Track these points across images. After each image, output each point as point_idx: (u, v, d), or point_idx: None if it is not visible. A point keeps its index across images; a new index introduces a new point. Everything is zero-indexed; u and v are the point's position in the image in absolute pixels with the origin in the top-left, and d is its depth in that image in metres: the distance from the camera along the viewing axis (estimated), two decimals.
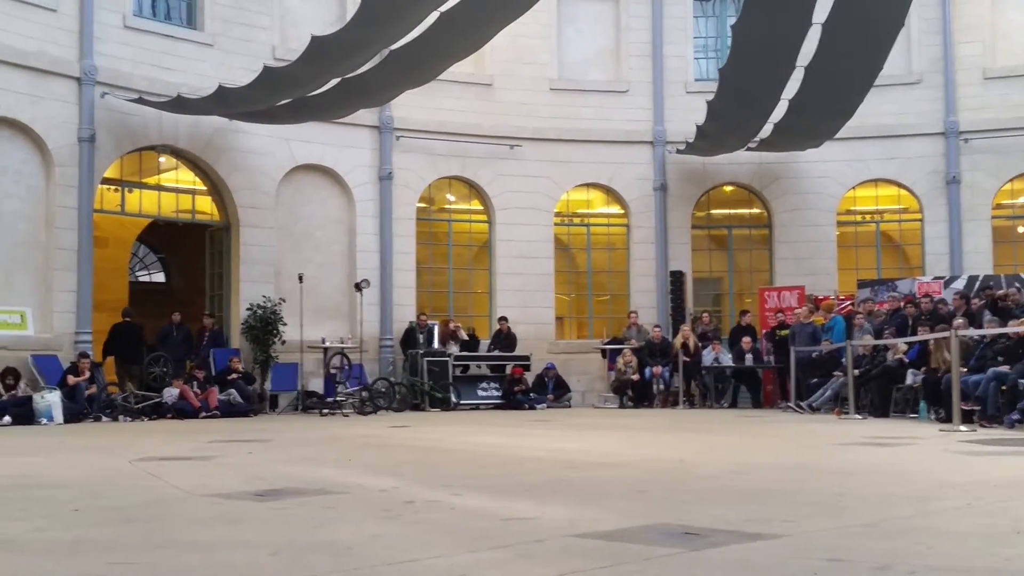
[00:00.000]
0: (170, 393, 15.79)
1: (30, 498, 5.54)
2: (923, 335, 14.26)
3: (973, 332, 13.31)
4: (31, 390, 14.66)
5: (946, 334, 12.68)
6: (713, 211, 21.93)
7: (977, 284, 17.54)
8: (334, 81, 15.64)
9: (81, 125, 16.23)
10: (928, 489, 5.88)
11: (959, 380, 11.80)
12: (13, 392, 14.38)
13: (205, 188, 18.45)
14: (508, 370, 18.97)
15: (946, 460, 7.81)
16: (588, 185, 21.27)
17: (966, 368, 12.63)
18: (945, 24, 20.28)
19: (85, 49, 16.30)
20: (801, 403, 16.10)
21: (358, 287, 17.54)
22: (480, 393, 18.92)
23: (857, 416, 14.29)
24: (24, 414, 14.02)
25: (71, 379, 14.93)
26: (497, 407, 18.50)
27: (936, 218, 20.39)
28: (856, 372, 14.87)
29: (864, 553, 3.75)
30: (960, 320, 13.88)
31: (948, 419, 11.91)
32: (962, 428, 11.15)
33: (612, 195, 21.32)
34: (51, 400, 14.23)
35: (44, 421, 14.01)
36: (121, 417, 15.10)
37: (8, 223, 15.60)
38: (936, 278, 18.72)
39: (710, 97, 17.12)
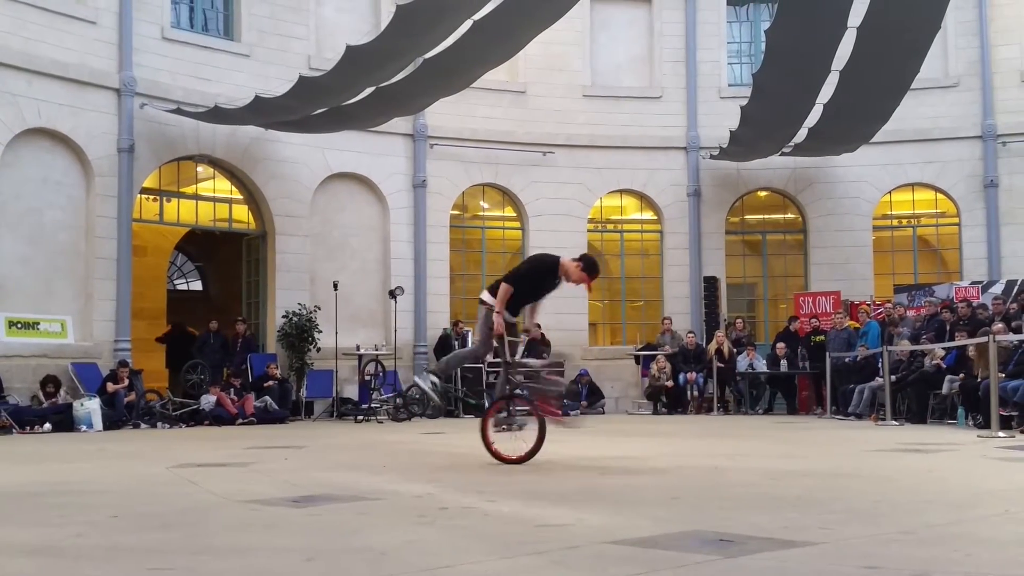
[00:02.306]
0: (207, 400, 15.93)
1: (70, 504, 5.62)
2: (961, 341, 14.10)
3: (1012, 337, 13.14)
4: (71, 398, 14.85)
5: (984, 339, 12.53)
6: (747, 216, 21.82)
7: (1016, 289, 17.33)
8: (368, 90, 15.75)
9: (120, 136, 16.44)
10: (966, 496, 5.83)
11: (997, 386, 11.66)
12: (53, 400, 14.58)
13: (241, 197, 18.63)
14: None
15: (984, 467, 7.72)
16: (621, 191, 21.24)
17: (1004, 373, 12.47)
18: (982, 26, 20.06)
19: (124, 61, 16.52)
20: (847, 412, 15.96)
21: (392, 294, 17.61)
22: None
23: (894, 422, 14.17)
24: (64, 421, 14.21)
25: (110, 387, 15.11)
26: (530, 414, 18.46)
27: (974, 222, 20.17)
28: (893, 378, 14.73)
29: (901, 560, 3.72)
30: (999, 325, 13.71)
31: (986, 425, 11.78)
32: (1000, 434, 11.01)
33: (645, 201, 21.28)
34: (91, 407, 14.41)
35: (84, 428, 14.18)
36: (159, 424, 15.27)
37: (49, 233, 15.83)
38: (974, 283, 18.52)
39: (744, 102, 17.07)
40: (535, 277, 8.19)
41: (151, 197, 17.77)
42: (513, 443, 7.71)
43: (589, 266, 8.14)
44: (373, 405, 16.46)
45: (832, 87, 15.99)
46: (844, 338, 17.32)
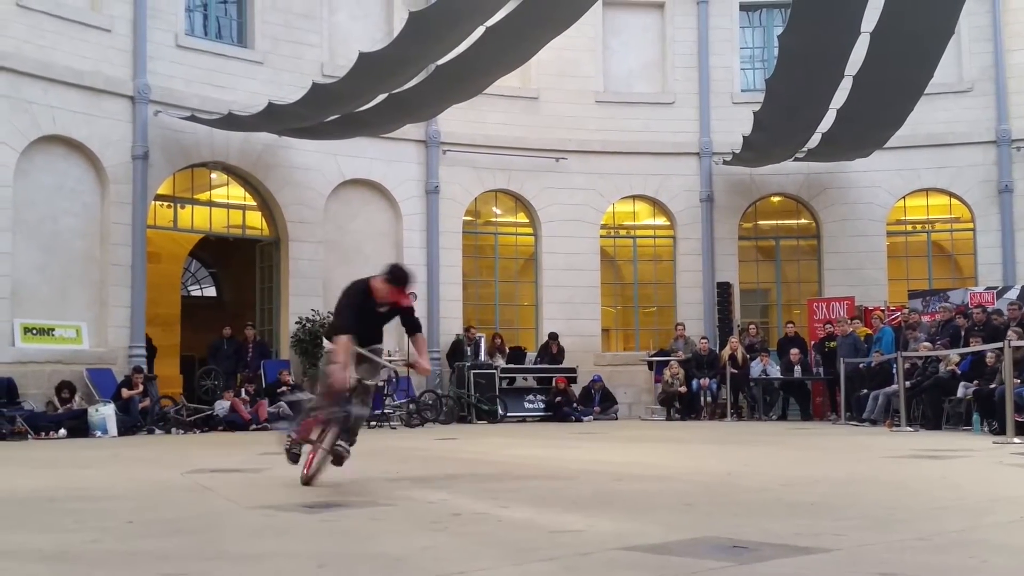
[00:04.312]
0: (221, 406, 15.98)
1: (85, 510, 5.64)
2: (976, 347, 14.04)
3: None
4: (86, 403, 14.92)
5: (998, 345, 12.48)
6: (760, 222, 21.78)
7: None
8: (381, 96, 15.79)
9: (135, 143, 16.52)
10: (981, 502, 5.80)
11: (1013, 392, 11.61)
12: (69, 405, 14.65)
13: (255, 203, 18.69)
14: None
15: (999, 473, 7.69)
16: (634, 197, 21.23)
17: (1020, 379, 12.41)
18: (996, 31, 19.98)
19: (139, 68, 16.61)
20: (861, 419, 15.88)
21: None
22: (527, 405, 18.92)
23: (909, 428, 14.11)
24: (79, 427, 14.27)
25: (125, 392, 15.18)
26: (543, 419, 18.49)
27: (988, 227, 20.08)
28: (908, 384, 14.67)
29: (916, 567, 3.71)
30: (1014, 330, 13.64)
31: (1002, 431, 11.72)
32: (1016, 440, 10.96)
33: (658, 207, 21.26)
34: (105, 413, 14.47)
35: (99, 434, 14.24)
36: (173, 430, 15.32)
37: (64, 239, 15.91)
38: (989, 288, 18.43)
39: (757, 108, 17.03)
40: (354, 306, 6.85)
41: (165, 204, 17.85)
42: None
43: (394, 276, 6.80)
44: (386, 411, 16.48)
45: (846, 92, 15.94)
46: (850, 343, 17.24)
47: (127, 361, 16.11)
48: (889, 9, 13.32)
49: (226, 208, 18.82)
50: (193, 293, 25.03)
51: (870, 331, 17.59)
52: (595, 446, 11.58)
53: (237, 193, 18.75)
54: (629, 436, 13.64)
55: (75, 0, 16.12)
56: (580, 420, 18.08)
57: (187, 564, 3.94)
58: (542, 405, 18.87)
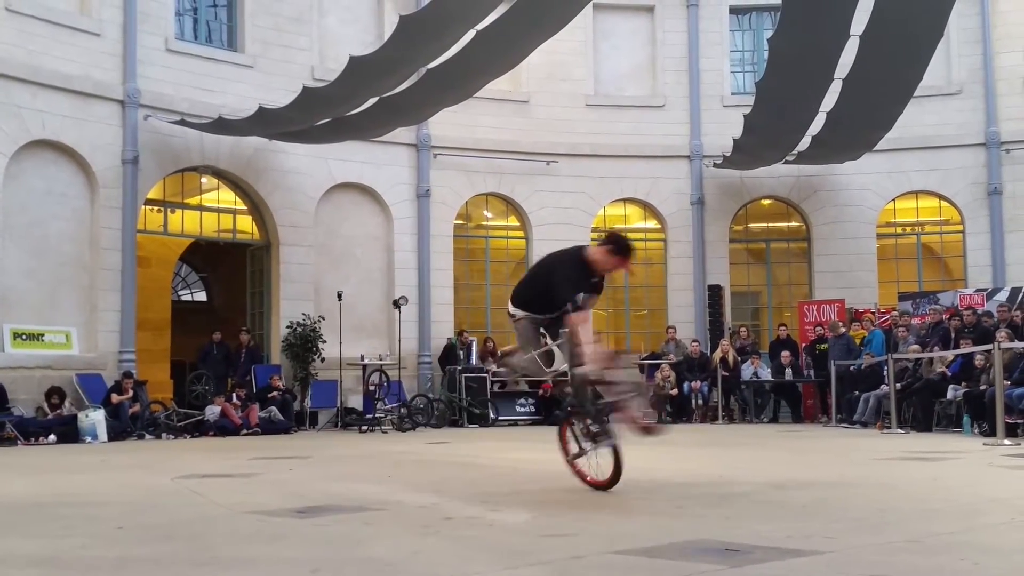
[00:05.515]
0: (212, 411, 15.93)
1: (74, 516, 5.62)
2: (966, 348, 14.09)
3: (1017, 345, 13.13)
4: (76, 409, 14.86)
5: (988, 346, 12.53)
6: (751, 225, 21.82)
7: (1020, 296, 17.31)
8: (372, 100, 15.78)
9: (125, 147, 16.48)
10: (972, 504, 5.81)
11: (1003, 393, 11.65)
12: (58, 411, 14.59)
13: (245, 208, 18.65)
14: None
15: (990, 475, 7.71)
16: (625, 200, 21.25)
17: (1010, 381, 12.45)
18: (985, 34, 20.08)
19: (128, 72, 16.57)
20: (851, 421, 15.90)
21: (396, 304, 17.61)
22: (518, 409, 18.91)
23: (899, 430, 14.14)
24: (69, 432, 14.20)
25: (115, 398, 15.13)
26: (535, 423, 18.47)
27: (978, 229, 20.15)
28: (898, 386, 14.71)
29: (908, 569, 3.71)
30: (1004, 332, 13.69)
31: (992, 433, 11.76)
32: (1006, 442, 11.00)
33: (649, 210, 21.29)
34: (95, 418, 14.41)
35: (88, 439, 14.18)
36: (164, 435, 15.28)
37: (54, 244, 15.86)
38: (978, 290, 18.50)
39: (747, 111, 17.07)
40: (573, 279, 6.36)
41: (155, 208, 17.81)
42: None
43: (621, 246, 6.35)
44: (377, 415, 16.45)
45: (835, 95, 15.99)
46: (843, 344, 17.29)
47: (117, 366, 16.06)
48: (878, 12, 13.37)
49: (216, 212, 18.77)
50: (183, 298, 24.97)
51: (865, 332, 17.64)
52: None
53: (227, 197, 18.72)
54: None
55: (64, 4, 16.09)
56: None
57: (178, 569, 3.92)
58: (533, 409, 18.86)
